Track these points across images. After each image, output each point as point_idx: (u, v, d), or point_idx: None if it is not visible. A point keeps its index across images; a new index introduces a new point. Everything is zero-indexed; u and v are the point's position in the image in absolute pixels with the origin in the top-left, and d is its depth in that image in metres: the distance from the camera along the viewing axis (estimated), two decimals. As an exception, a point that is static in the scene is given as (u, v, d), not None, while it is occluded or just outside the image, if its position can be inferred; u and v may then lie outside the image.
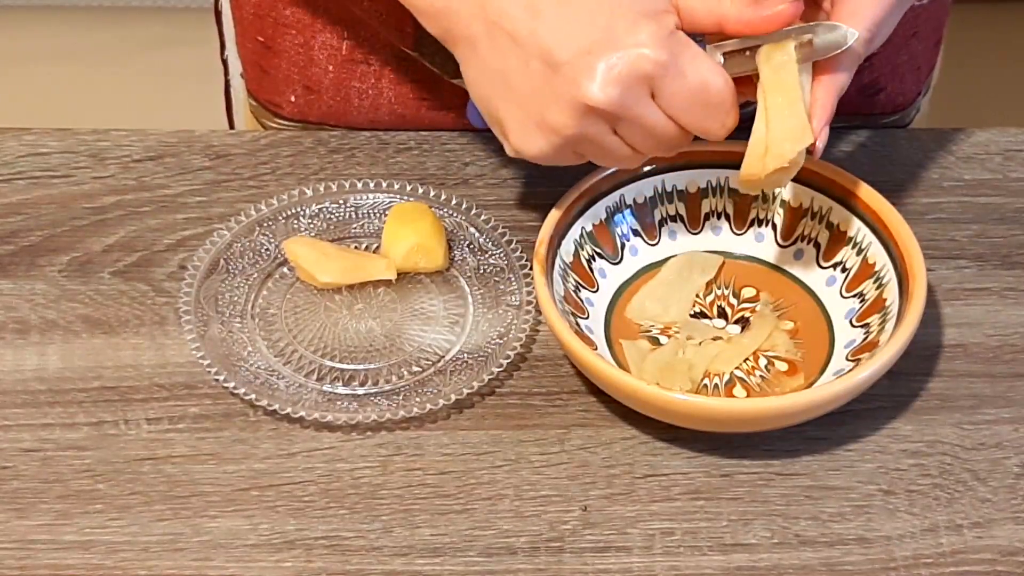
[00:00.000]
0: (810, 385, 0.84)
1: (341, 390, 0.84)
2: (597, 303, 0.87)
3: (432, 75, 0.96)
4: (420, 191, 0.94)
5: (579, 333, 0.82)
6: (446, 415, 0.83)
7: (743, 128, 0.80)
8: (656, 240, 0.90)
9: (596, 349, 0.83)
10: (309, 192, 0.93)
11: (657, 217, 0.90)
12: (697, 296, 0.89)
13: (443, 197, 0.93)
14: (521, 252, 0.90)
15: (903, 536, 0.78)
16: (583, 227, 0.88)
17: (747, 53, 0.79)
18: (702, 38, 0.79)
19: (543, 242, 0.85)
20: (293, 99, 1.02)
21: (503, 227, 0.92)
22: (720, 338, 0.86)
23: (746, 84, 0.80)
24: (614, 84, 0.75)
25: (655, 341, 0.86)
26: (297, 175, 0.97)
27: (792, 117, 0.79)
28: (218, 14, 1.07)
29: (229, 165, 0.97)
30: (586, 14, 0.76)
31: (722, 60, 0.79)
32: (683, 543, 0.78)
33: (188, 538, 0.78)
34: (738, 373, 0.85)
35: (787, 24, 0.78)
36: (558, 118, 0.77)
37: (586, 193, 0.88)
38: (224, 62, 1.09)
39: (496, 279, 0.90)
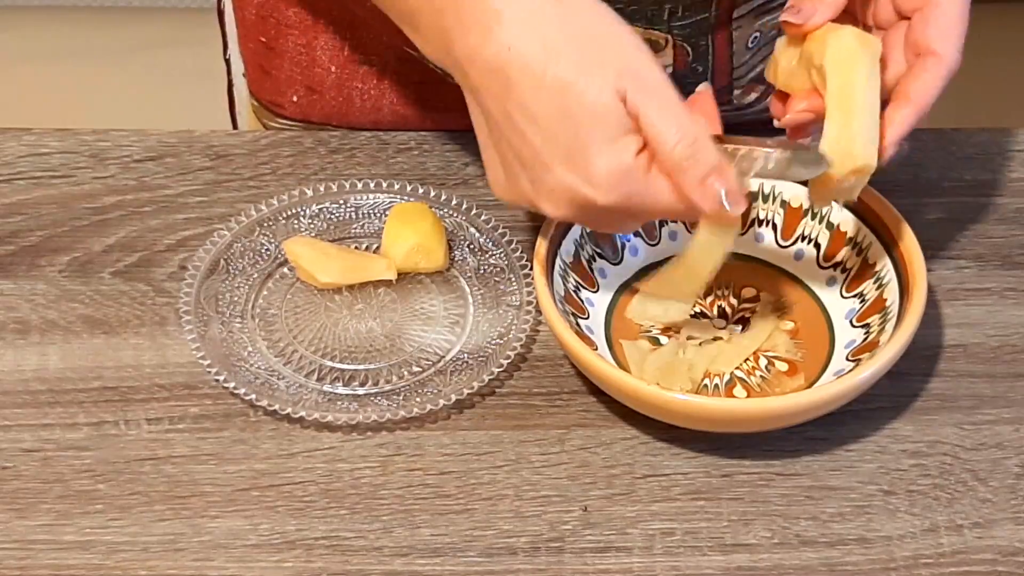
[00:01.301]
0: (810, 385, 0.84)
1: (341, 390, 0.84)
2: (597, 303, 0.87)
3: (434, 75, 0.96)
4: (420, 191, 0.94)
5: (579, 333, 0.82)
6: (446, 415, 0.83)
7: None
8: (656, 240, 0.90)
9: (596, 349, 0.83)
10: (309, 192, 0.93)
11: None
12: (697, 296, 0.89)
13: (443, 197, 0.93)
14: (521, 252, 0.90)
15: (903, 536, 0.78)
16: (583, 227, 0.88)
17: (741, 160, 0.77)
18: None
19: (543, 242, 0.85)
20: (295, 99, 1.02)
21: (503, 227, 0.92)
22: (720, 338, 0.86)
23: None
24: (564, 213, 0.76)
25: (655, 341, 0.86)
26: (297, 175, 0.97)
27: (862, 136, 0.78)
28: (220, 14, 1.07)
29: (229, 165, 0.97)
30: (552, 125, 0.74)
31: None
32: (683, 543, 0.78)
33: (188, 538, 0.78)
34: (738, 373, 0.85)
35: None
36: (547, 209, 0.77)
37: (586, 193, 0.88)
38: (227, 62, 1.09)
39: (496, 279, 0.90)
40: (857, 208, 0.87)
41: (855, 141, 0.77)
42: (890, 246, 0.86)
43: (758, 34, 0.95)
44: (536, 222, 0.88)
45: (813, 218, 0.89)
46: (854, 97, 0.77)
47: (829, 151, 0.77)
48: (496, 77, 0.74)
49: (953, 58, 0.78)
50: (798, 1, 0.78)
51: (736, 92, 0.98)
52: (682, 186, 0.74)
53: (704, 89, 0.79)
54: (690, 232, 0.91)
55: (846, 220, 0.88)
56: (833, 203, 0.88)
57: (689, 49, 0.93)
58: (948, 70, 0.78)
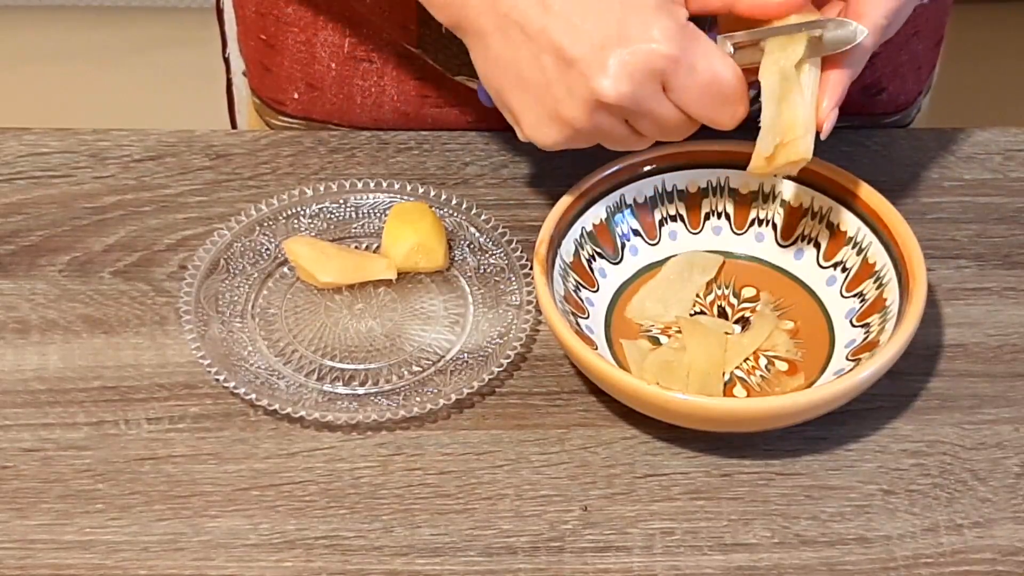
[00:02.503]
0: (810, 385, 0.84)
1: (341, 390, 0.84)
2: (597, 303, 0.87)
3: (435, 72, 0.96)
4: (420, 191, 0.94)
5: (579, 333, 0.82)
6: (446, 415, 0.83)
7: (747, 127, 0.80)
8: (656, 240, 0.90)
9: (596, 349, 0.83)
10: (309, 192, 0.93)
11: (657, 217, 0.90)
12: (697, 296, 0.89)
13: (443, 197, 0.93)
14: (521, 252, 0.90)
15: (903, 536, 0.78)
16: (583, 227, 0.88)
17: (759, 45, 0.79)
18: (712, 30, 0.80)
19: (543, 242, 0.85)
20: (296, 96, 1.02)
21: (503, 227, 0.92)
22: (730, 333, 0.86)
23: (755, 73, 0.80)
24: (627, 80, 0.76)
25: (655, 341, 0.86)
26: (297, 175, 0.97)
27: (803, 110, 0.79)
28: (219, 12, 1.07)
29: (229, 165, 0.98)
30: (597, 9, 0.76)
31: (732, 51, 0.79)
32: (683, 543, 0.78)
33: (188, 538, 0.78)
34: (738, 373, 0.85)
35: (798, 7, 0.78)
36: (571, 112, 0.78)
37: (586, 193, 0.88)
38: (226, 60, 1.09)
39: (496, 279, 0.90)
40: (857, 207, 0.87)
41: (793, 132, 0.79)
42: (890, 246, 0.86)
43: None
44: (536, 222, 0.88)
45: (813, 218, 0.89)
46: (791, 92, 0.79)
47: (767, 142, 0.80)
48: None
49: (876, 23, 0.79)
50: None
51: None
52: None
53: None
54: (691, 232, 0.91)
55: (846, 220, 0.88)
56: (832, 203, 0.88)
57: None
58: (867, 42, 0.79)
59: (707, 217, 0.91)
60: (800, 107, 0.79)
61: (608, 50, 0.76)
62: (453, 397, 0.83)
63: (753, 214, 0.91)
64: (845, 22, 0.78)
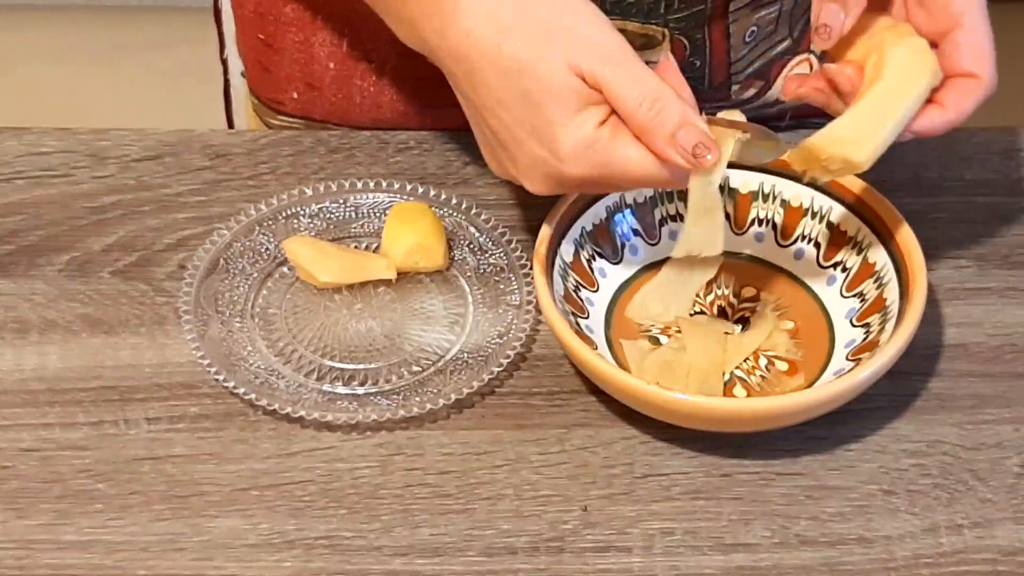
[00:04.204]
0: (810, 385, 0.84)
1: (341, 390, 0.84)
2: (597, 303, 0.87)
3: (434, 72, 0.96)
4: (420, 191, 0.94)
5: (579, 333, 0.82)
6: (446, 415, 0.83)
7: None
8: (656, 240, 0.90)
9: (596, 349, 0.83)
10: (309, 192, 0.93)
11: (657, 217, 0.90)
12: (697, 296, 0.89)
13: (443, 196, 0.93)
14: (521, 252, 0.90)
15: (903, 536, 0.78)
16: (583, 227, 0.88)
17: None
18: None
19: (543, 242, 0.85)
20: (295, 96, 1.02)
21: (503, 227, 0.92)
22: (729, 332, 0.86)
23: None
24: (554, 188, 0.77)
25: (655, 341, 0.86)
26: (297, 175, 0.97)
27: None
28: (217, 13, 1.07)
29: (229, 165, 0.97)
30: (514, 104, 0.76)
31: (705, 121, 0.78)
32: (683, 543, 0.78)
33: (188, 538, 0.78)
34: (738, 373, 0.85)
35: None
36: (535, 188, 0.79)
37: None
38: (223, 62, 1.09)
39: (496, 279, 0.89)
40: (857, 207, 0.87)
41: (868, 140, 0.79)
42: (890, 245, 0.86)
43: (755, 28, 0.95)
44: (536, 222, 0.88)
45: (813, 218, 0.89)
46: (896, 107, 0.79)
47: (839, 130, 0.79)
48: (461, 63, 0.77)
49: (993, 79, 0.81)
50: (821, 22, 0.79)
51: (734, 87, 0.98)
52: (652, 147, 0.75)
53: (665, 59, 0.79)
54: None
55: (846, 219, 0.88)
56: (832, 203, 0.88)
57: (686, 42, 0.93)
58: (987, 91, 0.81)
59: (707, 217, 0.91)
60: (877, 137, 0.78)
61: (526, 158, 0.77)
62: (453, 397, 0.83)
63: (753, 214, 0.91)
64: (771, 134, 0.78)
